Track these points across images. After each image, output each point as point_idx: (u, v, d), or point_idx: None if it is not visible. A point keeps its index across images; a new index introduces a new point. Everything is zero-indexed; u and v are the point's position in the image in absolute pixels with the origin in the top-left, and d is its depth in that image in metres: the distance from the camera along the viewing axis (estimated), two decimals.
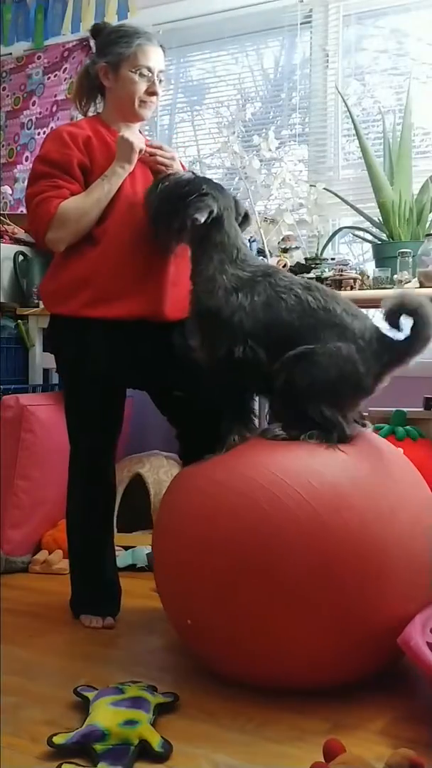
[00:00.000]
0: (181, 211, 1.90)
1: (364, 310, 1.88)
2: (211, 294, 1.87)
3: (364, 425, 1.90)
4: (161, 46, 2.16)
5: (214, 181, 2.00)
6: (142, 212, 2.07)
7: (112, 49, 2.12)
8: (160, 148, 2.19)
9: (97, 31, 2.21)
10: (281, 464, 1.66)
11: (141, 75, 2.10)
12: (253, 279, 1.86)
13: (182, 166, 2.25)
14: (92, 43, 2.26)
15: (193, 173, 2.03)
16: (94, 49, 2.24)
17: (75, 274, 2.08)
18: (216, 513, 1.65)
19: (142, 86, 2.10)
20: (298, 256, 2.96)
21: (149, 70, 2.10)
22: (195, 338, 1.93)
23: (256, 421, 1.93)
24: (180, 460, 3.02)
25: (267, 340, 1.81)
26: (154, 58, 2.12)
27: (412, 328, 1.76)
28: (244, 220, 2.03)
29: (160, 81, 2.14)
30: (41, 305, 3.22)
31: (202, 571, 1.66)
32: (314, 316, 1.80)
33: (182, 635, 1.84)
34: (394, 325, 1.79)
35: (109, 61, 2.12)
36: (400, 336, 1.79)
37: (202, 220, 1.87)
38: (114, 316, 2.05)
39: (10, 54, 4.06)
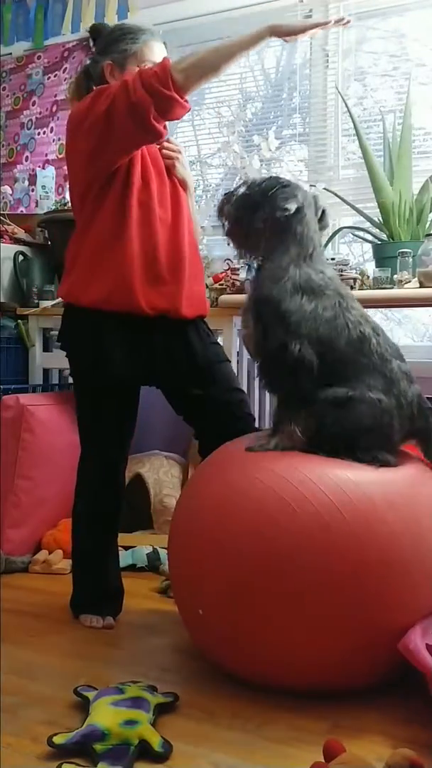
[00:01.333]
0: (264, 206, 1.86)
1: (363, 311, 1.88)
2: (277, 283, 1.82)
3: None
4: (164, 43, 2.17)
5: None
6: (158, 208, 2.07)
7: (116, 46, 2.12)
8: (168, 141, 2.19)
9: (97, 31, 2.21)
10: (316, 469, 1.65)
11: None
12: (323, 289, 1.82)
13: None
14: (91, 43, 2.25)
15: (270, 176, 2.01)
16: (93, 49, 2.23)
17: (93, 268, 2.06)
18: (242, 510, 1.65)
19: None
20: None
21: (155, 65, 2.10)
22: (247, 324, 1.90)
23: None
24: (182, 460, 3.04)
25: (321, 358, 1.78)
26: (160, 53, 2.12)
27: None
28: (321, 218, 1.97)
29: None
30: (41, 305, 3.23)
31: (219, 570, 1.65)
32: (370, 360, 1.78)
33: (193, 633, 1.83)
34: None
35: (114, 59, 2.12)
36: None
37: (293, 209, 1.83)
38: (133, 310, 2.04)
39: (10, 54, 4.06)
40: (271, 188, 1.87)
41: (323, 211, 1.96)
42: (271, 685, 1.66)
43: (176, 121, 3.75)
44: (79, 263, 2.09)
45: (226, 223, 1.97)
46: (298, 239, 1.86)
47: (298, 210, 1.86)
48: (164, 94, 1.89)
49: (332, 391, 1.76)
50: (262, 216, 1.87)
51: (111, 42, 2.14)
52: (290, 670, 1.64)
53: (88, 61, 2.26)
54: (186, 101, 1.95)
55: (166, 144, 2.17)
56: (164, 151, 2.16)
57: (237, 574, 1.62)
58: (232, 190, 1.99)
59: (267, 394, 3.06)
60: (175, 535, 1.85)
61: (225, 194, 2.00)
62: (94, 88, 2.12)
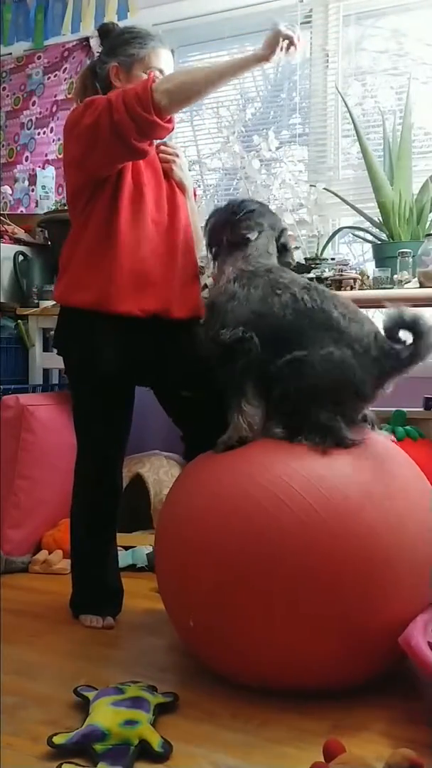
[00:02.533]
0: (234, 229, 1.99)
1: (364, 311, 1.87)
2: (216, 285, 1.94)
3: (373, 426, 1.87)
4: (171, 51, 2.17)
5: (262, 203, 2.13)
6: (151, 211, 2.08)
7: (124, 49, 2.12)
8: (165, 144, 2.20)
9: (107, 31, 2.21)
10: (288, 467, 1.64)
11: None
12: (254, 272, 1.89)
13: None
14: (96, 42, 2.24)
15: (251, 200, 2.13)
16: (100, 48, 2.22)
17: (84, 271, 2.07)
18: (219, 515, 1.65)
19: None
20: (298, 256, 2.96)
21: (161, 72, 2.10)
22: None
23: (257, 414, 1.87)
24: (182, 460, 3.04)
25: (261, 332, 1.81)
26: (166, 60, 2.12)
27: (413, 342, 1.74)
28: (282, 249, 2.06)
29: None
30: (41, 305, 3.23)
31: (204, 573, 1.65)
32: (309, 317, 1.79)
33: (184, 637, 1.83)
34: (394, 339, 1.76)
35: (121, 62, 2.12)
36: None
37: (254, 237, 1.96)
38: (125, 312, 2.04)
39: (10, 54, 4.06)
40: (237, 213, 2.00)
41: (284, 245, 2.06)
42: (267, 687, 1.65)
43: (177, 118, 3.77)
44: (71, 266, 2.11)
45: (206, 233, 2.11)
46: (243, 251, 1.97)
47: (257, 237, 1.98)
48: (144, 117, 1.89)
49: (282, 360, 1.76)
50: (232, 238, 1.99)
51: (119, 44, 2.14)
52: (283, 671, 1.63)
53: (94, 60, 2.25)
54: (169, 121, 1.95)
55: (162, 147, 2.18)
56: (161, 154, 2.16)
57: (221, 580, 1.62)
58: (218, 208, 2.12)
59: None
60: (160, 543, 1.85)
61: (213, 210, 2.12)
62: (98, 88, 2.14)
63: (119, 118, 1.90)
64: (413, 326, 1.73)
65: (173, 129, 2.01)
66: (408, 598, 1.63)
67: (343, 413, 1.75)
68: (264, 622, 1.59)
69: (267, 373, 1.80)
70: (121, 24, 2.34)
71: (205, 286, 2.85)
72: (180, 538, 1.74)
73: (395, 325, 1.75)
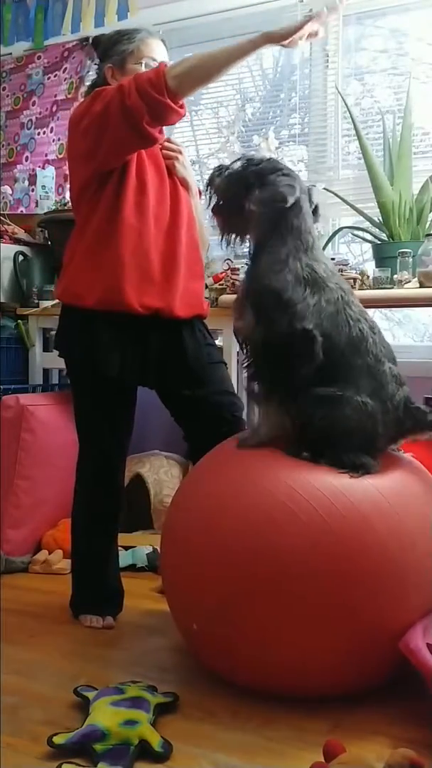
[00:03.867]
0: (261, 189, 1.77)
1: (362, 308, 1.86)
2: (278, 275, 1.75)
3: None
4: (162, 41, 2.17)
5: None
6: (154, 208, 2.07)
7: (115, 49, 2.13)
8: (168, 141, 2.20)
9: (97, 41, 2.23)
10: (300, 479, 1.63)
11: (147, 66, 2.09)
12: (326, 281, 1.77)
13: None
14: (95, 54, 2.25)
15: (267, 157, 1.91)
16: (98, 60, 2.23)
17: (87, 268, 2.06)
18: (228, 522, 1.64)
19: None
20: None
21: (154, 60, 2.10)
22: (245, 318, 1.82)
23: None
24: (182, 460, 3.04)
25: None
26: (158, 50, 2.13)
27: None
28: (314, 212, 1.88)
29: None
30: (41, 305, 3.23)
31: (211, 578, 1.64)
32: (364, 360, 1.75)
33: (188, 640, 1.82)
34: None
35: (114, 62, 2.13)
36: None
37: (292, 201, 1.75)
38: (126, 310, 2.04)
39: (10, 54, 4.06)
40: (271, 172, 1.79)
41: (316, 206, 1.90)
42: (271, 692, 1.65)
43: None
44: (73, 263, 2.10)
45: (215, 197, 1.88)
46: (295, 233, 1.79)
47: (296, 202, 1.79)
48: (157, 99, 1.88)
49: (322, 390, 1.72)
50: (257, 198, 1.78)
51: (109, 47, 2.15)
52: (288, 677, 1.63)
53: (94, 76, 2.26)
54: (181, 106, 1.94)
55: (166, 144, 2.17)
56: (164, 151, 2.16)
57: (228, 586, 1.61)
58: (222, 165, 1.92)
59: None
60: (166, 545, 1.84)
61: (218, 166, 1.92)
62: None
63: (131, 102, 1.89)
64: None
65: (185, 114, 1.99)
66: (413, 609, 1.63)
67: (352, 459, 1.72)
68: (269, 629, 1.59)
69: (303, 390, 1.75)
70: (121, 24, 2.34)
71: (205, 286, 2.85)
72: (187, 544, 1.72)
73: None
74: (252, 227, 1.85)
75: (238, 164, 1.86)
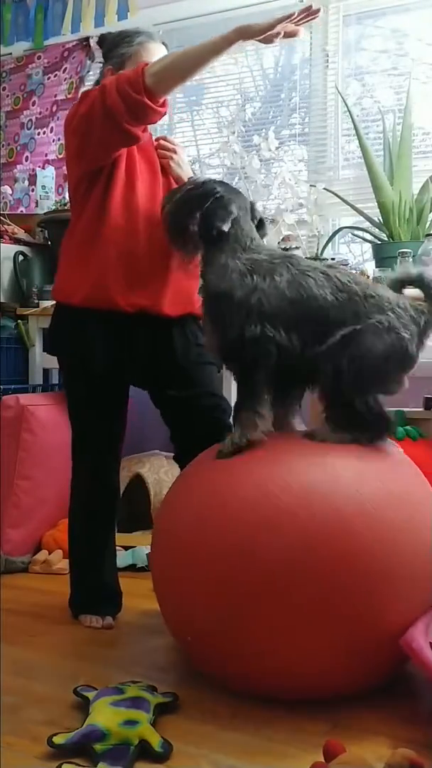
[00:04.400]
0: (204, 221, 1.85)
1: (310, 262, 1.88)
2: (222, 278, 1.81)
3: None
4: (164, 43, 2.17)
5: (224, 181, 1.97)
6: (143, 206, 2.07)
7: (115, 51, 2.13)
8: (165, 139, 2.20)
9: (103, 39, 2.23)
10: (287, 478, 1.61)
11: None
12: (270, 261, 1.80)
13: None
14: (100, 52, 2.25)
15: (209, 180, 1.96)
16: (101, 59, 2.24)
17: (76, 266, 2.07)
18: (217, 525, 1.63)
19: None
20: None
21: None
22: (206, 326, 1.87)
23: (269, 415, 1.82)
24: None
25: (296, 320, 1.74)
26: (157, 54, 2.12)
27: (426, 298, 1.80)
28: (260, 226, 1.97)
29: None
30: (41, 305, 3.23)
31: (202, 583, 1.64)
32: (347, 291, 1.75)
33: (183, 646, 1.82)
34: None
35: (113, 64, 2.13)
36: None
37: (226, 229, 1.83)
38: (113, 308, 2.04)
39: (10, 54, 4.06)
40: (209, 196, 1.86)
41: (260, 220, 1.98)
42: (268, 696, 1.64)
43: (175, 121, 3.77)
44: (64, 262, 2.12)
45: (165, 225, 1.96)
46: (232, 239, 1.85)
47: (233, 221, 1.86)
48: (136, 99, 1.89)
49: (331, 339, 1.72)
50: (197, 223, 1.87)
51: (111, 48, 2.16)
52: (284, 680, 1.62)
53: (89, 60, 2.26)
54: (163, 104, 1.95)
55: (161, 142, 2.18)
56: (159, 150, 2.16)
57: (220, 591, 1.60)
58: (175, 189, 2.00)
59: None
60: (156, 556, 1.83)
61: (169, 192, 2.00)
62: None
63: (111, 102, 1.91)
64: (420, 282, 1.80)
65: (165, 113, 1.99)
66: (409, 606, 1.62)
67: (391, 386, 1.76)
68: (263, 633, 1.58)
69: (300, 363, 1.75)
70: (121, 24, 2.34)
71: None
72: (177, 548, 1.71)
73: (399, 281, 1.82)
74: (197, 246, 1.93)
75: (185, 189, 1.93)
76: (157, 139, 2.19)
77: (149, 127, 2.05)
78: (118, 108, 1.90)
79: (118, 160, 2.06)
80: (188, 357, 2.14)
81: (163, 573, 1.80)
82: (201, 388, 2.15)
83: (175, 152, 2.19)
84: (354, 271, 2.68)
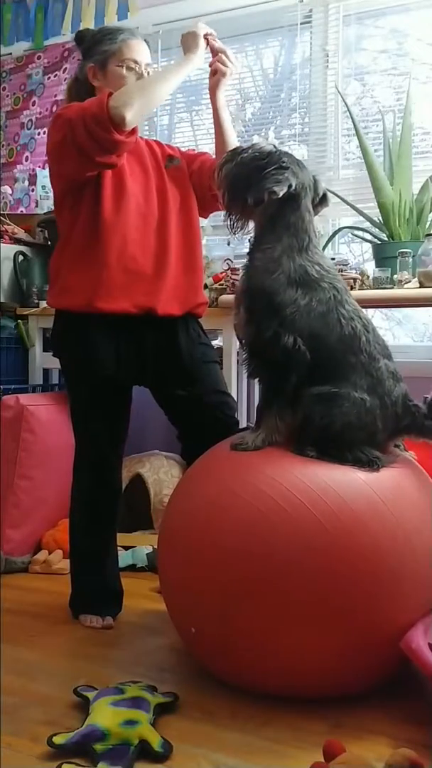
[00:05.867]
0: (258, 183, 1.77)
1: (364, 310, 1.86)
2: (271, 275, 1.77)
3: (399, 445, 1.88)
4: (146, 41, 2.17)
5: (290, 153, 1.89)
6: (138, 205, 2.07)
7: (97, 48, 2.13)
8: (224, 52, 2.20)
9: (81, 37, 2.22)
10: (294, 478, 1.62)
11: (128, 68, 2.09)
12: (318, 282, 1.78)
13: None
14: (78, 49, 2.25)
15: (274, 146, 1.88)
16: (80, 56, 2.23)
17: (74, 277, 2.07)
18: (224, 523, 1.63)
19: (131, 79, 2.09)
20: None
21: (136, 62, 2.10)
22: (239, 315, 1.84)
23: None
24: (182, 460, 3.04)
25: (309, 353, 1.75)
26: (140, 51, 2.12)
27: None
28: (322, 200, 1.90)
29: (149, 74, 2.12)
30: (41, 305, 3.23)
31: (208, 579, 1.64)
32: (358, 358, 1.75)
33: (187, 642, 1.82)
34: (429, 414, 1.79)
35: (95, 61, 2.12)
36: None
37: (280, 193, 1.75)
38: (118, 310, 2.04)
39: (10, 54, 4.06)
40: (266, 167, 1.79)
41: (324, 195, 1.91)
42: (270, 693, 1.65)
43: (175, 121, 3.77)
44: (61, 273, 2.12)
45: (222, 185, 1.87)
46: (291, 230, 1.81)
47: (294, 197, 1.80)
48: (103, 137, 1.92)
49: (318, 388, 1.73)
50: (253, 193, 1.78)
51: (92, 45, 2.15)
52: (287, 678, 1.63)
53: (77, 69, 2.26)
54: (131, 133, 1.96)
55: (220, 59, 2.19)
56: (216, 64, 2.19)
57: (226, 587, 1.61)
58: (239, 148, 1.90)
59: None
60: (162, 549, 1.83)
61: (231, 151, 1.91)
62: (81, 95, 2.12)
63: (81, 140, 1.94)
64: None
65: (134, 141, 2.03)
66: (411, 607, 1.62)
67: (355, 449, 1.73)
68: (267, 630, 1.59)
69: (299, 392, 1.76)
70: (121, 25, 2.34)
71: (205, 286, 2.85)
72: (183, 546, 1.72)
73: None
74: (253, 220, 1.87)
75: (248, 155, 1.84)
76: (216, 55, 2.18)
77: (147, 129, 2.05)
78: (88, 145, 1.94)
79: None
80: (193, 356, 2.15)
81: (168, 564, 1.80)
82: (208, 385, 2.16)
83: (224, 75, 2.20)
84: (352, 274, 2.69)
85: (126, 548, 2.73)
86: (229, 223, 1.89)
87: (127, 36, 2.13)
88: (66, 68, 3.88)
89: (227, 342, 2.80)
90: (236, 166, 1.84)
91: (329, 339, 1.75)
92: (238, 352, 2.84)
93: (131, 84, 2.01)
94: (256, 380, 1.91)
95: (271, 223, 1.82)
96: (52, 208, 3.52)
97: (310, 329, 1.74)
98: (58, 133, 1.99)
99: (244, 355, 1.88)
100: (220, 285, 2.88)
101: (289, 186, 1.78)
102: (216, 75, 2.20)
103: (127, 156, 2.10)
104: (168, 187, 2.16)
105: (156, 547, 2.68)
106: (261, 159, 1.81)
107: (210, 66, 2.20)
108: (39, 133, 3.97)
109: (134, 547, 2.76)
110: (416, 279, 2.57)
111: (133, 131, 1.98)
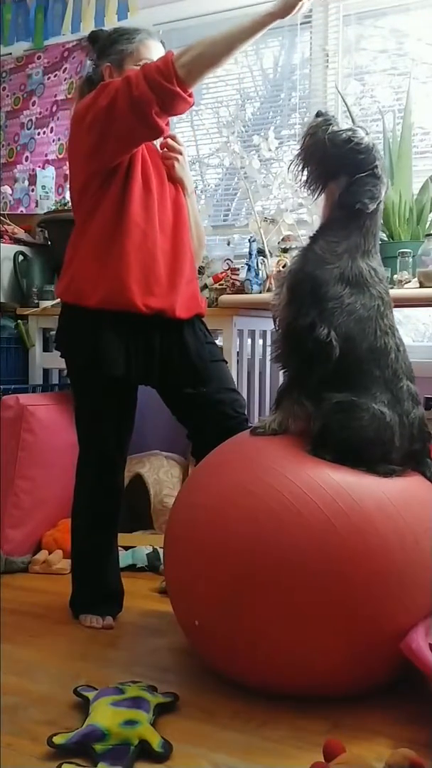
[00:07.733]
0: (349, 187, 1.77)
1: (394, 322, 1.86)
2: (326, 265, 1.76)
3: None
4: (162, 42, 2.17)
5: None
6: (159, 206, 2.07)
7: (114, 48, 2.13)
8: (174, 139, 2.20)
9: (95, 36, 2.21)
10: (307, 477, 1.63)
11: None
12: (369, 288, 1.77)
13: None
14: (91, 49, 2.25)
15: (367, 133, 1.83)
16: (94, 55, 2.22)
17: (91, 266, 2.05)
18: (231, 519, 1.64)
19: None
20: None
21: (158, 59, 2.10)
22: (279, 295, 1.83)
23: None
24: (183, 460, 3.05)
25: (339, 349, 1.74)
26: (156, 52, 2.12)
27: None
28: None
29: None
30: (41, 305, 3.23)
31: (213, 575, 1.64)
32: (383, 373, 1.75)
33: (189, 637, 1.82)
34: None
35: (112, 60, 2.12)
36: None
37: (371, 209, 1.76)
38: (131, 309, 2.03)
39: (10, 54, 4.06)
40: (359, 163, 1.77)
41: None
42: (271, 691, 1.65)
43: (176, 118, 3.77)
44: (76, 261, 2.09)
45: (307, 149, 1.83)
46: (362, 231, 1.80)
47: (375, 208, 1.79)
48: (167, 89, 1.88)
49: (339, 396, 1.72)
50: (341, 189, 1.78)
51: (108, 45, 2.15)
52: (288, 676, 1.63)
53: (89, 69, 2.25)
54: (190, 95, 1.94)
55: (169, 142, 2.17)
56: (164, 150, 2.16)
57: (230, 584, 1.61)
58: (329, 117, 1.83)
59: (266, 395, 3.06)
60: (170, 541, 1.84)
61: (326, 120, 1.82)
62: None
63: (140, 93, 1.89)
64: None
65: (193, 103, 1.99)
66: (415, 610, 1.63)
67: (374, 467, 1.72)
68: (271, 627, 1.59)
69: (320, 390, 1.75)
70: (121, 24, 2.34)
71: (205, 286, 2.85)
72: (191, 540, 1.72)
73: None
74: (325, 204, 1.86)
75: (344, 135, 1.79)
76: (166, 137, 2.17)
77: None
78: (148, 98, 1.89)
79: (134, 159, 2.05)
80: (202, 355, 2.15)
81: (175, 558, 1.80)
82: (218, 383, 2.18)
83: (181, 153, 2.18)
84: None
85: (126, 548, 2.73)
86: (300, 179, 1.86)
87: (144, 36, 2.13)
88: (66, 68, 3.88)
89: (227, 342, 2.80)
90: (328, 140, 1.78)
91: (361, 345, 1.74)
92: (238, 352, 2.84)
93: (198, 43, 1.92)
94: (280, 368, 1.88)
95: (345, 217, 1.80)
96: (52, 207, 3.54)
97: (346, 329, 1.74)
98: (107, 98, 1.93)
99: (275, 337, 1.88)
100: (220, 285, 2.88)
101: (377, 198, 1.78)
102: (169, 160, 2.16)
103: (150, 158, 2.09)
104: (179, 192, 2.17)
105: (156, 547, 2.70)
106: (358, 150, 1.78)
107: (161, 148, 2.16)
108: (39, 133, 3.97)
109: (134, 547, 2.76)
110: (416, 279, 2.57)
111: (191, 94, 1.94)
